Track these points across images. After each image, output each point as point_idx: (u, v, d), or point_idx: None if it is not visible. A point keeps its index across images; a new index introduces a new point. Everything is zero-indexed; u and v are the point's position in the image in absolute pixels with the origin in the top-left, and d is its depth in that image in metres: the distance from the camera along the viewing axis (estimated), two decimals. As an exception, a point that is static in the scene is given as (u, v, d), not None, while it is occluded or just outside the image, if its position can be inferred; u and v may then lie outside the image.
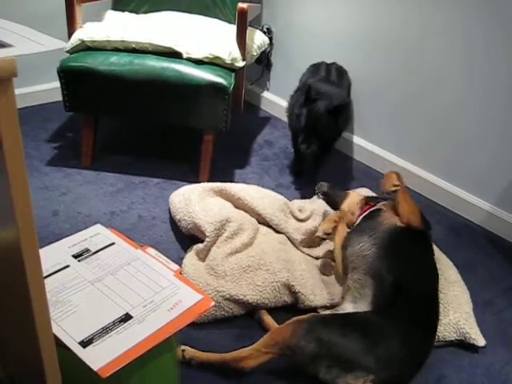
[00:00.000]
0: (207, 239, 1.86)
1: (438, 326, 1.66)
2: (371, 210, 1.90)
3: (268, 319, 1.69)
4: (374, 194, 2.23)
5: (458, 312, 1.71)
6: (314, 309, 1.74)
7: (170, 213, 2.13)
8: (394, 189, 1.83)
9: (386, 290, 1.55)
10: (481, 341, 1.69)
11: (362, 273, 1.63)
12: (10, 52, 0.67)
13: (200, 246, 1.87)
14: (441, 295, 1.75)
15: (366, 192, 2.24)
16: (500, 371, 1.64)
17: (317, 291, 1.77)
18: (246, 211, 2.05)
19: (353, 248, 1.73)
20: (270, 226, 2.03)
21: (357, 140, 2.82)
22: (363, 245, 1.70)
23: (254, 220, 2.02)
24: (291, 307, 1.76)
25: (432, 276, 1.70)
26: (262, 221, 2.03)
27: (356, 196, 2.10)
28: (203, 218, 1.92)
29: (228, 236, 1.89)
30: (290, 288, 1.74)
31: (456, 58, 2.26)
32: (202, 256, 1.86)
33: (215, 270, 1.77)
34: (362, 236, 1.74)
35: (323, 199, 2.20)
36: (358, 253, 1.70)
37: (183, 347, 1.54)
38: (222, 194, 2.09)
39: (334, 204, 2.15)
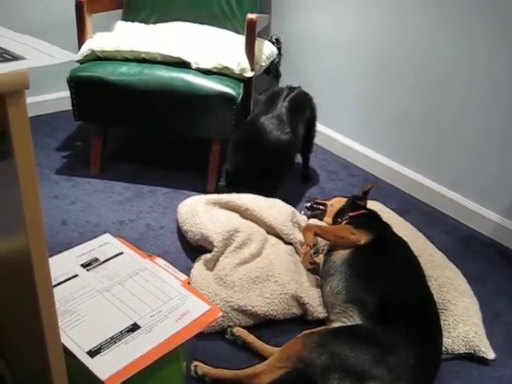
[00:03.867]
0: (215, 249, 1.86)
1: (447, 339, 1.65)
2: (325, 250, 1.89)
3: (251, 339, 1.65)
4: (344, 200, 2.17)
5: (467, 325, 1.69)
6: (323, 320, 1.74)
7: (177, 223, 2.13)
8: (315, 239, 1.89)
9: (373, 311, 1.53)
10: (490, 354, 1.67)
11: (341, 304, 1.62)
12: (23, 64, 0.68)
13: (208, 256, 1.87)
14: (450, 306, 1.74)
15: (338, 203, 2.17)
16: (510, 384, 1.63)
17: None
18: (254, 222, 2.04)
19: (325, 291, 1.73)
20: (278, 237, 2.02)
21: (362, 149, 2.82)
22: (331, 284, 1.69)
23: (262, 230, 2.01)
24: (300, 319, 1.76)
25: (415, 275, 1.70)
26: (271, 231, 2.03)
27: (332, 210, 2.11)
28: (211, 229, 1.92)
29: (236, 246, 1.88)
30: (298, 300, 1.74)
31: (461, 68, 2.26)
32: (211, 266, 1.86)
33: (224, 280, 1.77)
34: (326, 278, 1.74)
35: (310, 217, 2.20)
36: (330, 293, 1.69)
37: (195, 363, 1.53)
38: (229, 206, 2.08)
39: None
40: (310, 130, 2.56)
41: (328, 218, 2.10)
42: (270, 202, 2.13)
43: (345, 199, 2.13)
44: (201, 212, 2.00)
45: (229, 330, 1.67)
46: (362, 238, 1.74)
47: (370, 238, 1.74)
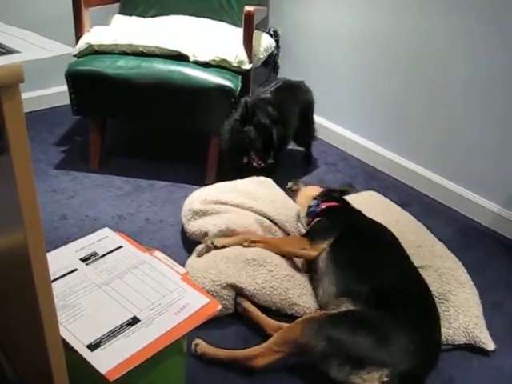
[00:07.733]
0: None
1: (448, 330, 1.66)
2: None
3: (253, 310, 1.67)
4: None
5: (468, 316, 1.70)
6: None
7: (177, 216, 2.12)
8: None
9: (366, 300, 1.53)
10: (490, 345, 1.68)
11: (333, 301, 1.61)
12: (17, 58, 0.68)
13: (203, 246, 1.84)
14: (451, 297, 1.74)
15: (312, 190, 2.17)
16: (510, 374, 1.63)
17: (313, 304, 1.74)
18: (257, 215, 1.97)
19: (319, 296, 1.71)
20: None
21: (361, 140, 2.82)
22: (322, 288, 1.68)
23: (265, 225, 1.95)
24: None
25: (398, 259, 1.70)
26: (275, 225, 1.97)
27: (305, 195, 2.10)
28: (209, 222, 1.89)
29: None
30: (288, 300, 1.71)
31: (460, 58, 2.26)
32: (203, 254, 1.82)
33: (214, 260, 1.73)
34: (317, 285, 1.72)
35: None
36: (323, 295, 1.67)
37: (197, 341, 1.55)
38: (233, 205, 1.99)
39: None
40: (306, 120, 2.56)
41: (301, 201, 2.09)
42: (272, 194, 2.08)
43: (321, 189, 2.12)
44: (202, 214, 1.96)
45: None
46: (314, 249, 1.73)
47: (324, 246, 1.72)
